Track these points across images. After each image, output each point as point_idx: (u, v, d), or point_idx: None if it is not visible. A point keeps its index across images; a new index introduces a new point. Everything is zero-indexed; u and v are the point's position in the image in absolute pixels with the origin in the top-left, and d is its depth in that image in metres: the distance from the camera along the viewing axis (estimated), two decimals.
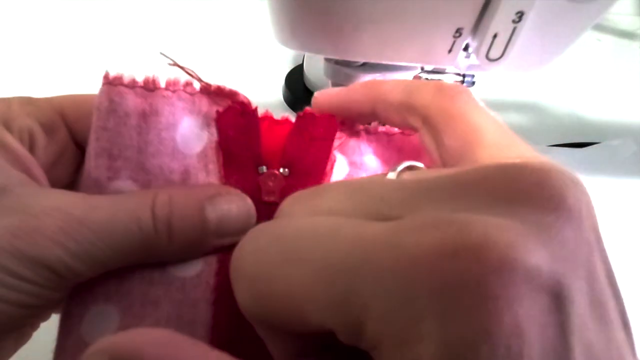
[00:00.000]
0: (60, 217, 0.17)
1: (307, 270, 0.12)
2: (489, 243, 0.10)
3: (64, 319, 0.19)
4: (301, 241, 0.13)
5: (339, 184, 0.16)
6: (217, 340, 0.19)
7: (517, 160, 0.13)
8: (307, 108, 0.22)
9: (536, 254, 0.10)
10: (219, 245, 0.20)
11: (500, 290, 0.09)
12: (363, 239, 0.11)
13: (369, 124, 0.22)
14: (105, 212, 0.17)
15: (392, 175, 0.15)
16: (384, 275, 0.10)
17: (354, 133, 0.22)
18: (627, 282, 0.37)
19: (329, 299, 0.11)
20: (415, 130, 0.18)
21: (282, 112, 0.52)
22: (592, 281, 0.11)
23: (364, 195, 0.14)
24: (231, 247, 0.20)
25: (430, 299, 0.10)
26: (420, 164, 0.16)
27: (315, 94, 0.22)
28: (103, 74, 0.20)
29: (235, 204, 0.20)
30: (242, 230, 0.20)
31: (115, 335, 0.11)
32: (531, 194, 0.11)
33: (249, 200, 0.20)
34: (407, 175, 0.15)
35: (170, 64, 0.21)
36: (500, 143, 0.16)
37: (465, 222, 0.10)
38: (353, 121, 0.22)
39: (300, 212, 0.15)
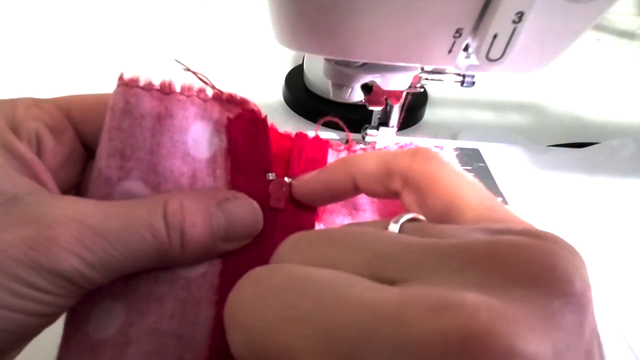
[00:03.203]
0: (74, 227, 0.17)
1: (309, 330, 0.11)
2: (497, 333, 0.10)
3: (70, 317, 0.19)
4: (304, 298, 0.12)
5: (341, 233, 0.15)
6: (218, 341, 0.19)
7: (523, 237, 0.13)
8: (300, 132, 0.24)
9: (540, 344, 0.10)
10: (226, 249, 0.20)
11: None
12: (371, 306, 0.11)
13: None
14: (118, 220, 0.18)
15: (394, 228, 0.15)
16: (389, 351, 0.10)
17: (352, 151, 0.24)
18: (627, 282, 0.37)
19: None
20: (396, 194, 0.19)
21: (282, 112, 0.52)
22: None
23: (369, 251, 0.14)
24: (236, 249, 0.20)
25: None
26: (421, 217, 0.16)
27: (293, 182, 0.22)
28: (117, 73, 0.20)
29: (243, 209, 0.20)
30: (250, 235, 0.21)
31: None
32: (541, 276, 0.12)
33: (256, 205, 0.21)
34: (410, 230, 0.15)
35: (184, 69, 0.21)
36: (482, 204, 0.17)
37: (475, 306, 0.10)
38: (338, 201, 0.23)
39: (300, 261, 0.14)
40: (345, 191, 0.21)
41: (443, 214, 0.17)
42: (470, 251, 0.12)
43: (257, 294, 0.13)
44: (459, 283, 0.12)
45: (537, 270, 0.12)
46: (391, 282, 0.12)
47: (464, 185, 0.17)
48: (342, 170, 0.20)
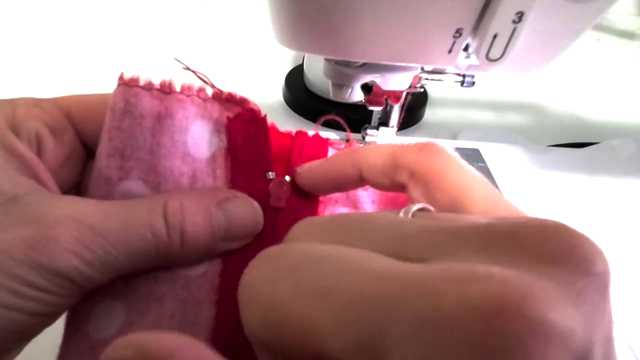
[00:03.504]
0: (74, 227, 0.17)
1: (330, 304, 0.11)
2: (530, 302, 0.10)
3: (71, 317, 0.19)
4: (323, 272, 0.12)
5: (355, 216, 0.15)
6: (218, 341, 0.19)
7: (542, 220, 0.12)
8: (300, 130, 0.24)
9: (572, 318, 0.10)
10: (226, 249, 0.20)
11: (538, 351, 0.09)
12: (395, 278, 0.11)
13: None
14: (118, 219, 0.18)
15: (404, 215, 0.15)
16: (417, 323, 0.10)
17: None
18: (628, 282, 0.37)
19: (354, 337, 0.11)
20: (403, 187, 0.19)
21: (282, 112, 0.52)
22: (608, 348, 0.11)
23: (384, 232, 0.13)
24: (236, 249, 0.20)
25: (469, 355, 0.09)
26: (431, 207, 0.16)
27: (297, 170, 0.22)
28: (116, 73, 0.20)
29: (243, 208, 0.20)
30: (250, 234, 0.21)
31: (145, 333, 0.11)
32: (565, 255, 0.11)
33: (257, 205, 0.21)
34: (422, 217, 0.15)
35: (184, 68, 0.21)
36: (488, 199, 0.17)
37: (505, 277, 0.10)
38: (342, 191, 0.23)
39: (316, 239, 0.14)
40: (350, 182, 0.21)
41: (449, 209, 0.17)
42: (493, 231, 0.12)
43: (272, 272, 0.13)
44: (483, 261, 0.11)
45: (561, 250, 0.11)
46: (413, 261, 0.12)
47: (471, 181, 0.17)
48: (348, 161, 0.20)
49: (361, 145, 0.25)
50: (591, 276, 0.11)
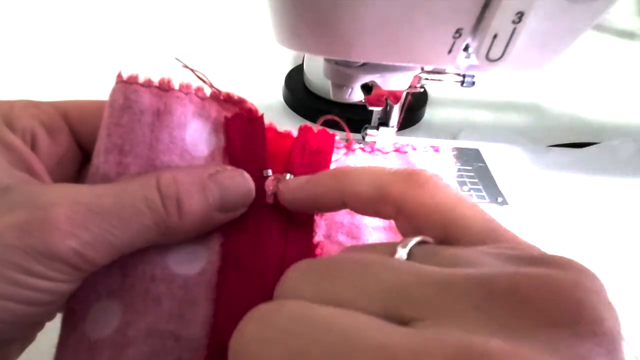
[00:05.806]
0: (68, 206, 0.16)
1: None
2: None
3: (67, 316, 0.19)
4: (313, 343, 0.12)
5: (351, 262, 0.14)
6: (216, 340, 0.19)
7: (543, 268, 0.12)
8: (306, 124, 0.23)
9: None
10: (222, 220, 0.20)
11: None
12: (385, 354, 0.11)
13: None
14: (112, 196, 0.17)
15: (402, 253, 0.15)
16: None
17: (351, 150, 0.24)
18: (627, 283, 0.37)
19: None
20: (389, 218, 0.18)
21: (282, 112, 0.52)
22: None
23: (381, 284, 0.13)
24: (234, 242, 0.20)
25: None
26: (429, 239, 0.15)
27: (280, 187, 0.21)
28: (116, 73, 0.20)
29: (234, 179, 0.20)
30: (244, 204, 0.21)
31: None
32: (569, 316, 0.11)
33: (247, 175, 0.21)
34: (421, 256, 0.14)
35: (183, 66, 0.21)
36: (484, 231, 0.16)
37: (501, 355, 0.10)
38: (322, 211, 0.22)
39: (308, 295, 0.14)
40: (333, 206, 0.20)
41: (443, 241, 0.16)
42: (491, 286, 0.12)
43: (263, 335, 0.13)
44: (480, 324, 0.11)
45: (565, 310, 0.11)
46: (406, 320, 0.12)
47: (463, 210, 0.16)
48: (331, 186, 0.20)
49: (360, 145, 0.25)
50: (598, 337, 0.11)
